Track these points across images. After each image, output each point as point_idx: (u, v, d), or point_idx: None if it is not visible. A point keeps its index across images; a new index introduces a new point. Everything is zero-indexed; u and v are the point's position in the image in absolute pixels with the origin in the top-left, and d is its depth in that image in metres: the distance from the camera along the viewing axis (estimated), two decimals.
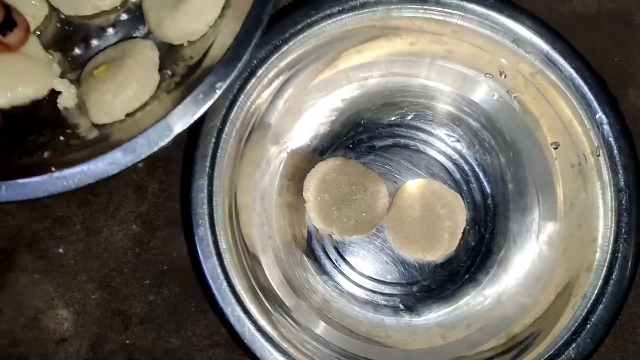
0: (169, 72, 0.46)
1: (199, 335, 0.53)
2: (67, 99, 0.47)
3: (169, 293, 0.54)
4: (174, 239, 0.54)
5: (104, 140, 0.44)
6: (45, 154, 0.44)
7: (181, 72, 0.46)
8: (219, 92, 0.41)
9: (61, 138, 0.45)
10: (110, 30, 0.49)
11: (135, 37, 0.49)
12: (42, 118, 0.48)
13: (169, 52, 0.47)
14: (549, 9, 0.56)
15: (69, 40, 0.49)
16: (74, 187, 0.40)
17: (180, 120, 0.41)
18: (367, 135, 0.56)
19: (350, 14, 0.47)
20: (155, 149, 0.41)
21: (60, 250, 0.54)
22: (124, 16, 0.49)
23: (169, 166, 0.54)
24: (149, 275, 0.54)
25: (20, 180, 0.40)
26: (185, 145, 0.54)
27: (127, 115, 0.45)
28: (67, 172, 0.40)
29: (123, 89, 0.44)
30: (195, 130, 0.46)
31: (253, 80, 0.46)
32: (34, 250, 0.53)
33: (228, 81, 0.41)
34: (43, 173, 0.40)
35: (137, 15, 0.49)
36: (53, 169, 0.40)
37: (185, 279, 0.54)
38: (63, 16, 0.49)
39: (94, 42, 0.49)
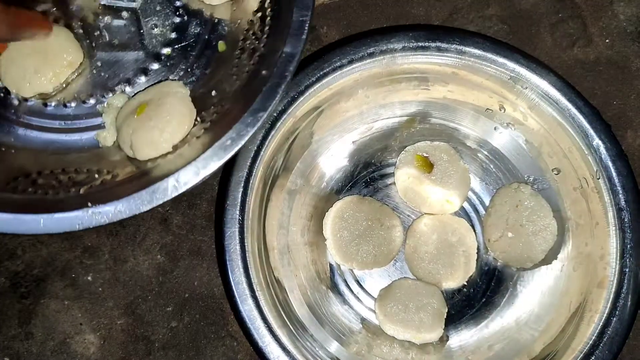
0: (199, 118, 0.49)
1: None
2: (107, 138, 0.51)
3: (190, 320, 0.56)
4: (196, 269, 0.56)
5: (137, 179, 0.46)
6: (82, 190, 0.46)
7: (210, 118, 0.48)
8: (245, 139, 0.43)
9: (96, 176, 0.48)
10: (142, 78, 0.53)
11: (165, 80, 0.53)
12: (80, 157, 0.52)
13: (199, 100, 0.50)
14: (551, 57, 0.59)
15: (104, 86, 0.53)
16: (107, 222, 0.43)
17: (208, 164, 0.43)
18: (378, 174, 0.58)
19: (359, 63, 0.50)
20: (184, 189, 0.43)
21: (89, 278, 0.56)
22: (155, 66, 0.54)
23: (192, 200, 0.57)
24: (172, 302, 0.56)
25: (57, 215, 0.43)
26: (209, 178, 0.57)
27: (174, 147, 0.48)
28: (102, 208, 0.42)
29: (168, 123, 0.47)
30: (225, 172, 0.49)
31: (273, 131, 0.49)
32: (64, 278, 0.56)
33: (254, 129, 0.43)
34: (79, 207, 0.43)
35: (169, 65, 0.53)
36: (90, 204, 0.43)
37: (206, 306, 0.56)
38: (99, 64, 0.53)
39: (127, 89, 0.53)
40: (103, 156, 0.51)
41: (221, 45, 0.53)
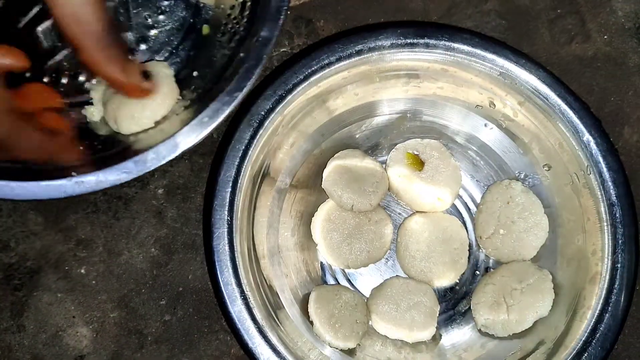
0: (180, 97, 0.51)
1: (210, 355, 0.55)
2: (93, 113, 0.53)
3: (184, 313, 0.55)
4: (190, 262, 0.56)
5: (119, 152, 0.48)
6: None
7: (191, 97, 0.51)
8: (221, 116, 0.46)
9: (81, 147, 0.50)
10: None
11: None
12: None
13: (182, 80, 0.52)
14: (549, 52, 0.59)
15: None
16: (90, 190, 0.45)
17: (187, 139, 0.46)
18: None
19: (348, 61, 0.50)
20: (163, 162, 0.45)
21: (83, 271, 0.56)
22: (143, 47, 0.56)
23: (187, 193, 0.57)
24: (165, 296, 0.56)
25: (42, 182, 0.45)
26: (200, 171, 0.57)
27: (156, 123, 0.50)
28: (85, 177, 0.45)
29: (150, 100, 0.49)
30: (213, 171, 0.49)
31: (261, 130, 0.49)
32: (58, 271, 0.56)
33: (230, 107, 0.46)
34: (64, 176, 0.44)
35: (155, 47, 0.55)
36: (74, 173, 0.44)
37: (199, 300, 0.56)
38: None
39: None
40: (93, 129, 0.53)
41: (205, 29, 0.55)
